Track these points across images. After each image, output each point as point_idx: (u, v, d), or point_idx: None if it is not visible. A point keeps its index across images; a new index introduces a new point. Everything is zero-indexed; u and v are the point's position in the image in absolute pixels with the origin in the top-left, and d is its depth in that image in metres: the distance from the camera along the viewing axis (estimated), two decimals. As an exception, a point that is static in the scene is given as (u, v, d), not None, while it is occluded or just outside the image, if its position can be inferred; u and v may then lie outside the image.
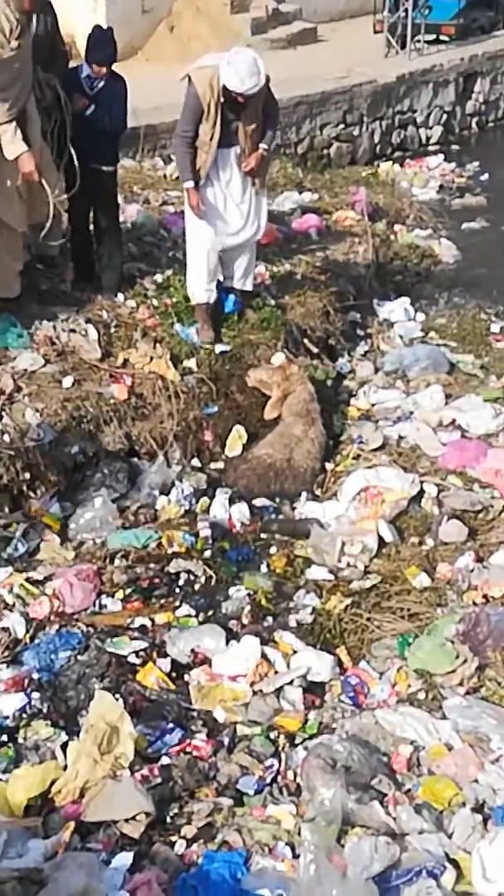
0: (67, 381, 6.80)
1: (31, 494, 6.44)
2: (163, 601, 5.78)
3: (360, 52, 16.91)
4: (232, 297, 7.70)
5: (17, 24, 6.18)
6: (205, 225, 7.17)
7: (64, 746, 4.64)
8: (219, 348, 7.47)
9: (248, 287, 7.72)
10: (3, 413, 6.44)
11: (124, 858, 4.06)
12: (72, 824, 4.16)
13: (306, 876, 3.95)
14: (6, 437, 6.36)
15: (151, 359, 7.17)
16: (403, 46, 16.96)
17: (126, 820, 4.25)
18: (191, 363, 7.32)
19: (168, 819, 4.39)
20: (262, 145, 7.07)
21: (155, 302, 7.66)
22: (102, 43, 6.88)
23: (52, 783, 4.36)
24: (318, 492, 6.91)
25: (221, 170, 7.08)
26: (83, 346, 7.07)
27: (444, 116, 16.98)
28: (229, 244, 7.33)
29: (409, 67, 16.42)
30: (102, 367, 7.02)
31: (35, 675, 5.07)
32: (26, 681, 5.02)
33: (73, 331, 7.14)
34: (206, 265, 7.33)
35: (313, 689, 5.19)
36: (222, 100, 6.73)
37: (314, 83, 14.96)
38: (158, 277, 7.98)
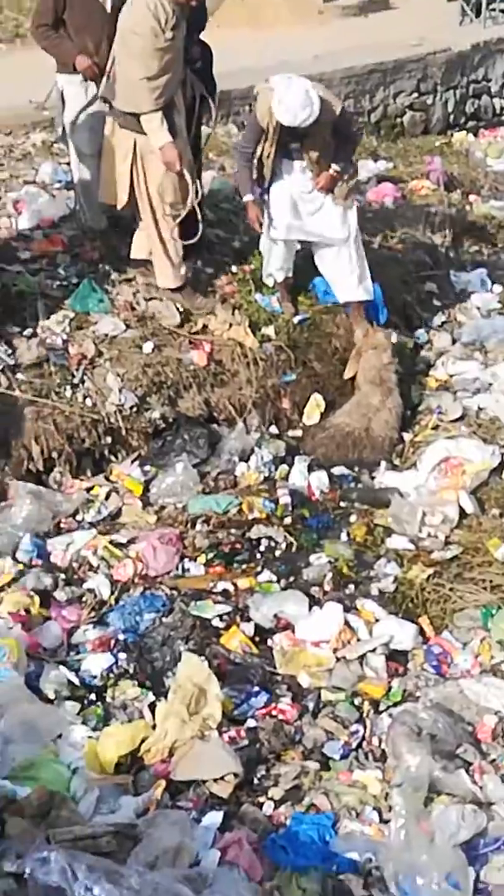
0: (148, 347, 6.82)
1: (113, 459, 6.51)
2: (244, 566, 5.80)
3: (433, 19, 16.75)
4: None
5: (174, 15, 6.25)
6: (275, 218, 7.10)
7: (151, 706, 4.69)
8: (297, 317, 7.45)
9: (361, 296, 7.43)
10: (86, 378, 6.50)
11: (215, 817, 4.09)
12: (163, 782, 4.21)
13: (396, 840, 3.97)
14: (88, 402, 6.42)
15: (230, 325, 7.17)
16: (478, 14, 16.75)
17: (215, 780, 4.29)
18: (269, 330, 7.30)
19: (255, 781, 4.42)
20: (334, 166, 6.89)
21: (233, 269, 7.65)
22: (196, 10, 6.85)
23: (142, 742, 4.42)
24: (396, 461, 6.88)
25: (287, 174, 6.97)
26: (163, 311, 7.08)
27: (519, 86, 16.74)
28: (304, 237, 7.24)
29: (484, 36, 16.23)
30: (182, 333, 7.03)
31: (121, 636, 5.12)
32: (112, 641, 5.08)
33: (153, 297, 7.15)
34: (278, 252, 7.29)
35: (396, 658, 5.17)
36: (281, 125, 6.62)
37: (387, 51, 14.82)
38: (236, 244, 7.96)
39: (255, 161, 6.88)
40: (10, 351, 6.32)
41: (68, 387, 6.41)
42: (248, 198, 7.06)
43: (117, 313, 6.96)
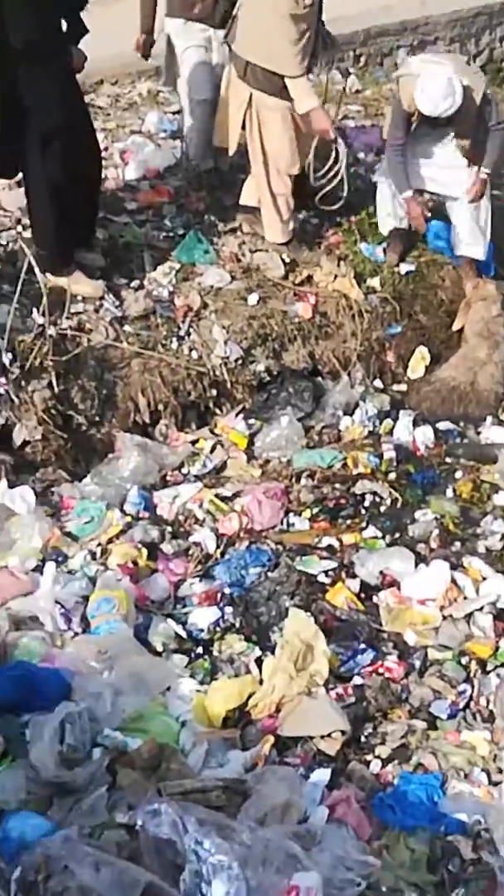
0: (253, 299, 6.76)
1: (217, 412, 6.50)
2: (349, 522, 5.76)
3: (542, -43, 16.16)
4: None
5: None
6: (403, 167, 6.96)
7: (257, 661, 4.70)
8: (403, 268, 7.33)
9: (476, 255, 7.28)
10: (192, 330, 6.48)
11: (323, 774, 4.09)
12: (271, 738, 4.21)
13: (508, 803, 3.95)
14: (194, 354, 6.41)
15: (335, 277, 7.08)
16: None
17: (322, 737, 4.29)
18: (374, 282, 7.19)
19: (362, 738, 4.42)
20: (485, 168, 6.84)
21: (338, 218, 7.54)
22: None
23: (249, 697, 4.43)
24: (503, 416, 6.76)
25: (428, 129, 6.83)
26: (268, 263, 7.00)
27: None
28: (430, 188, 7.15)
29: None
30: (287, 284, 6.96)
31: (227, 590, 5.12)
32: (219, 595, 5.09)
33: (258, 249, 7.09)
34: (395, 201, 7.16)
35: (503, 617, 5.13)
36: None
37: (495, -8, 14.38)
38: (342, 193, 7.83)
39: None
40: (117, 303, 6.33)
41: (174, 339, 6.39)
42: (407, 194, 6.93)
43: (223, 265, 6.91)
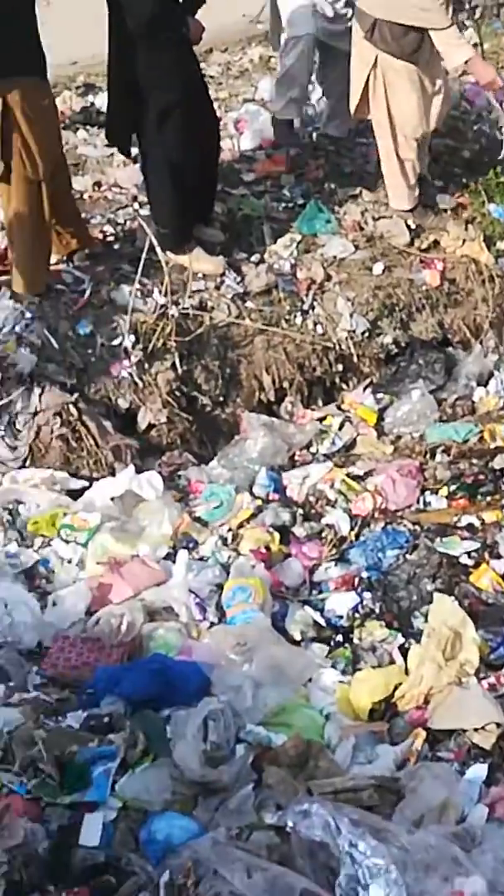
0: (378, 268, 6.53)
1: (344, 387, 6.30)
2: (489, 499, 5.45)
3: None
4: None
5: None
6: None
7: (401, 648, 4.48)
8: (536, 226, 7.01)
9: None
10: (315, 303, 6.28)
11: (480, 770, 3.84)
12: (422, 732, 3.99)
13: None
14: (319, 329, 6.21)
15: (463, 241, 6.78)
16: None
17: (476, 730, 4.04)
18: (505, 244, 6.90)
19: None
20: None
21: (464, 180, 7.22)
22: None
23: (395, 688, 4.23)
24: None
25: None
26: (392, 230, 6.75)
27: None
28: None
29: None
30: (412, 251, 6.70)
31: (364, 574, 4.89)
32: (356, 579, 4.87)
33: (381, 216, 6.83)
34: None
35: None
36: None
37: None
38: (466, 153, 7.52)
39: None
40: (238, 279, 6.16)
41: (298, 313, 6.22)
42: None
43: (345, 234, 6.68)
